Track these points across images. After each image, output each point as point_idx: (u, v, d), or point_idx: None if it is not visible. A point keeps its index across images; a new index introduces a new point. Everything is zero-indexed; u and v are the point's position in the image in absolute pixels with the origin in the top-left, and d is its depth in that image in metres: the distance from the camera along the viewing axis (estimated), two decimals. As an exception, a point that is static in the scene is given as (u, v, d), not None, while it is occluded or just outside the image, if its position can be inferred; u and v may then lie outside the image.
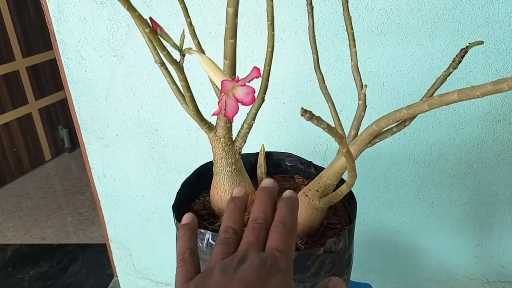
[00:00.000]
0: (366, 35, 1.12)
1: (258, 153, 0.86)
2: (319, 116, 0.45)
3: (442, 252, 1.42)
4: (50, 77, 2.86)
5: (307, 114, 0.44)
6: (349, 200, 0.78)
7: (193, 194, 0.83)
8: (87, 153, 1.37)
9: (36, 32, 2.70)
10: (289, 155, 0.89)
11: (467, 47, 0.54)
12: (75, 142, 3.10)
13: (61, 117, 3.00)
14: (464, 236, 1.39)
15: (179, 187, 0.73)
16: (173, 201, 1.43)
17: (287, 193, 0.44)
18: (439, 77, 0.59)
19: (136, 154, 1.36)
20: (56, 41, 1.23)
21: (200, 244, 0.67)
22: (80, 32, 1.20)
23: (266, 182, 0.47)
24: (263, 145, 0.86)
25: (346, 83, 1.16)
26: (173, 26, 1.12)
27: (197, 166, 0.83)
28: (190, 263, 0.40)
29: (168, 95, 1.25)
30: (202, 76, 1.10)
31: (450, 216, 1.35)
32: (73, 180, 2.72)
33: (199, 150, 1.32)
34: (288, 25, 1.12)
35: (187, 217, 0.46)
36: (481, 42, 0.53)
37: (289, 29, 1.13)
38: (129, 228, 1.49)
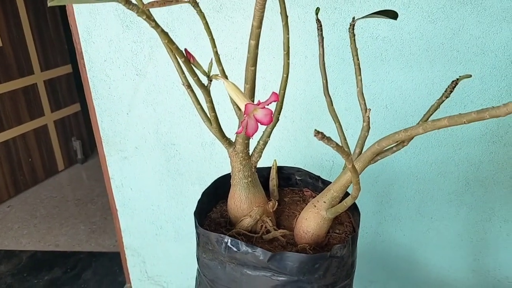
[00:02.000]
0: (371, 61, 1.21)
1: (270, 167, 0.94)
2: (329, 137, 0.54)
3: (441, 265, 1.49)
4: (66, 90, 2.97)
5: (320, 135, 0.52)
6: (353, 211, 0.86)
7: (210, 204, 0.91)
8: (107, 164, 1.46)
9: (55, 47, 2.82)
10: (298, 169, 0.97)
11: (457, 79, 0.63)
12: (87, 154, 3.19)
13: (75, 129, 3.10)
14: (462, 250, 1.45)
15: (193, 198, 0.82)
16: (187, 211, 1.51)
17: None
18: (433, 104, 0.67)
19: (153, 166, 1.44)
20: (83, 59, 1.32)
21: (219, 248, 0.74)
22: (106, 52, 1.30)
23: None
24: (275, 160, 0.95)
25: (351, 104, 1.25)
26: (194, 49, 1.22)
27: (210, 179, 0.91)
28: None
29: (185, 112, 1.35)
30: (218, 97, 1.19)
31: (448, 231, 1.42)
32: (85, 190, 2.80)
33: (212, 163, 1.41)
34: (299, 50, 1.22)
35: None
36: (469, 76, 0.62)
37: (300, 54, 1.22)
38: (144, 236, 1.57)
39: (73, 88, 3.01)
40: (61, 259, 2.10)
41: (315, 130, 0.52)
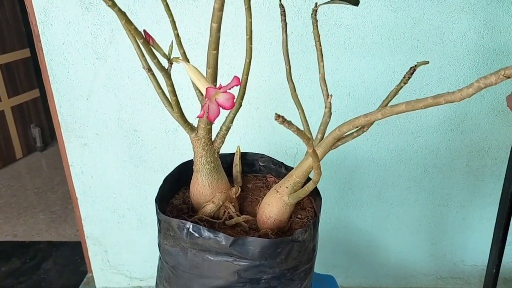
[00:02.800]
0: (334, 49, 1.22)
1: (234, 153, 0.94)
2: (290, 121, 0.54)
3: (401, 250, 1.53)
4: (23, 75, 2.85)
5: (280, 119, 0.52)
6: (315, 196, 0.87)
7: (173, 190, 0.90)
8: (66, 151, 1.42)
9: (11, 30, 2.70)
10: (262, 156, 0.97)
11: (415, 66, 0.64)
12: (47, 141, 3.09)
13: (33, 115, 2.99)
14: (421, 235, 1.50)
15: (156, 185, 0.80)
16: (149, 199, 1.49)
17: None
18: (392, 90, 0.68)
19: (114, 153, 1.41)
20: (40, 42, 1.27)
21: (180, 234, 0.74)
22: (65, 35, 1.25)
23: None
24: (238, 146, 0.94)
25: (315, 92, 1.26)
26: (156, 32, 1.19)
27: (174, 166, 0.90)
28: None
29: (148, 98, 1.32)
30: (182, 82, 1.17)
31: (408, 216, 1.47)
32: (44, 178, 2.72)
33: (176, 150, 1.39)
34: (264, 36, 1.21)
35: None
36: (427, 62, 0.63)
37: (265, 40, 1.22)
38: (105, 225, 1.54)
39: (31, 73, 2.90)
40: (20, 250, 2.03)
41: (276, 113, 0.52)
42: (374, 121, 0.65)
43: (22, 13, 2.72)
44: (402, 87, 0.67)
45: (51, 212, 2.35)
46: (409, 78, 0.66)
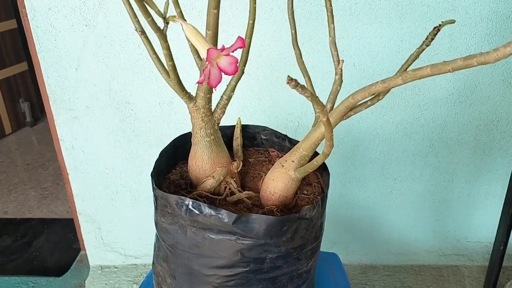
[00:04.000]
0: (339, 15, 1.15)
1: (234, 126, 0.88)
2: (303, 85, 0.48)
3: (403, 226, 1.50)
4: (10, 47, 2.75)
5: (293, 82, 0.46)
6: (322, 171, 0.82)
7: (169, 165, 0.84)
8: (55, 124, 1.35)
9: (-4, 0, 2.58)
10: (264, 128, 0.91)
11: (439, 25, 0.58)
12: (37, 116, 3.01)
13: (22, 90, 2.90)
14: (424, 211, 1.46)
15: (151, 160, 0.74)
16: (144, 175, 1.43)
17: None
18: (413, 53, 0.62)
19: (106, 127, 1.35)
20: (24, 8, 1.19)
21: (179, 211, 0.68)
22: (51, 0, 1.17)
23: None
24: (239, 118, 0.88)
25: (318, 61, 1.19)
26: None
27: (169, 140, 0.84)
28: None
29: (141, 68, 1.24)
30: (177, 47, 1.10)
31: (411, 192, 1.42)
32: (35, 154, 2.65)
33: (171, 124, 1.33)
34: (264, 1, 1.13)
35: None
36: (453, 21, 0.57)
37: (265, 6, 1.14)
38: (98, 202, 1.49)
39: (18, 46, 2.79)
40: (10, 227, 1.98)
41: (288, 76, 0.46)
42: (391, 88, 0.59)
43: (7, -19, 2.60)
44: (424, 49, 0.61)
45: (42, 188, 2.29)
46: (432, 39, 0.59)
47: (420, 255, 1.55)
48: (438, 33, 0.63)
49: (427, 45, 0.60)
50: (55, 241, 1.87)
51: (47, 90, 1.30)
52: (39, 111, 3.02)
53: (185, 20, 0.68)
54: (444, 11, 1.15)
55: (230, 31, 1.17)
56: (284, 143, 0.89)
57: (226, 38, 1.18)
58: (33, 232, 1.94)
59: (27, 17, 1.21)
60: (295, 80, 0.46)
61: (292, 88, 0.47)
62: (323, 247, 1.51)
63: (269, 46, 1.19)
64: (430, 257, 1.55)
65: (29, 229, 1.96)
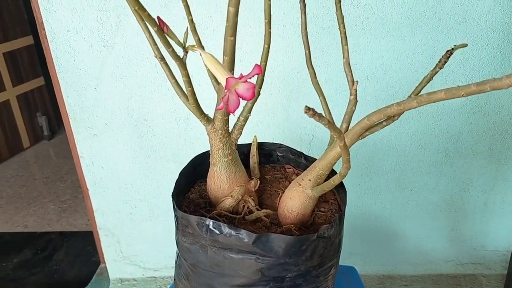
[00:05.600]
0: (351, 30, 1.17)
1: (250, 143, 0.89)
2: (320, 113, 0.49)
3: (420, 236, 1.50)
4: (28, 63, 2.81)
5: (310, 112, 0.48)
6: (339, 189, 0.83)
7: (188, 184, 0.86)
8: (75, 142, 1.38)
9: (13, 17, 2.65)
10: (280, 145, 0.93)
11: (452, 49, 0.59)
12: (54, 130, 3.06)
13: (39, 104, 2.96)
14: (440, 221, 1.46)
15: (168, 175, 0.76)
16: (161, 189, 1.46)
17: None
18: (426, 76, 0.63)
19: (125, 143, 1.37)
20: (44, 29, 1.22)
21: (200, 231, 0.70)
22: (69, 22, 1.20)
23: None
24: (255, 136, 0.90)
25: (331, 76, 1.21)
26: (163, 17, 1.14)
27: (186, 155, 0.87)
28: None
29: (157, 85, 1.27)
30: (192, 69, 1.12)
31: (427, 202, 1.42)
32: (53, 168, 2.70)
33: (187, 139, 1.35)
34: (277, 18, 1.15)
35: None
36: (465, 45, 0.58)
37: (278, 22, 1.16)
38: (118, 216, 1.51)
39: (35, 61, 2.85)
40: (31, 240, 2.02)
41: (306, 106, 0.47)
42: (406, 110, 0.61)
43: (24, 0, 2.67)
44: (437, 72, 0.63)
45: (61, 202, 2.33)
46: (445, 62, 0.61)
47: (437, 264, 1.55)
48: (448, 47, 0.64)
49: (440, 68, 0.61)
50: (75, 254, 1.90)
51: (67, 109, 1.33)
52: (56, 124, 3.07)
53: (203, 48, 0.70)
54: (455, 23, 1.16)
55: (244, 48, 1.19)
56: (300, 160, 0.90)
57: (240, 55, 1.20)
58: (53, 246, 1.97)
59: (46, 38, 1.25)
60: (313, 110, 0.48)
61: (310, 117, 0.48)
62: (340, 259, 1.52)
63: (282, 61, 1.21)
64: (447, 266, 1.55)
65: (49, 242, 2.00)
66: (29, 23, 2.73)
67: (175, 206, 0.74)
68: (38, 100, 2.94)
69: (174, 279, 0.85)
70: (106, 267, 1.66)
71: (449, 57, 0.59)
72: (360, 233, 1.49)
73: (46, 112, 2.99)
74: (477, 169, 1.36)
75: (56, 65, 1.27)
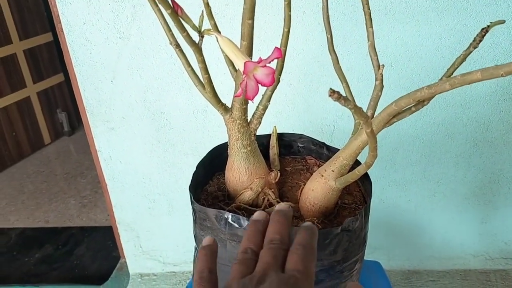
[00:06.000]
0: (374, 15, 1.11)
1: (270, 134, 0.86)
2: (346, 97, 0.45)
3: (447, 230, 1.44)
4: (47, 60, 2.83)
5: (335, 95, 0.44)
6: (363, 180, 0.79)
7: (206, 176, 0.83)
8: (93, 136, 1.37)
9: (33, 15, 2.66)
10: (301, 136, 0.89)
11: (488, 26, 0.55)
12: (74, 126, 3.09)
13: (59, 100, 2.98)
14: (469, 214, 1.41)
15: (186, 169, 0.74)
16: (180, 183, 1.43)
17: (306, 223, 0.44)
18: (459, 56, 0.59)
19: (142, 137, 1.36)
20: (60, 23, 1.21)
21: (218, 224, 0.67)
22: (85, 14, 1.18)
23: (281, 205, 0.47)
24: (275, 126, 0.87)
25: (354, 64, 1.16)
26: (181, 2, 1.11)
27: (204, 148, 0.84)
28: (208, 281, 0.40)
29: (174, 77, 1.25)
30: (209, 59, 1.09)
31: (455, 194, 1.37)
32: (73, 163, 2.72)
33: (205, 132, 1.32)
34: (296, 5, 1.11)
35: (208, 240, 0.47)
36: (503, 21, 0.53)
37: (297, 9, 1.12)
38: (136, 211, 1.50)
39: (55, 57, 2.87)
40: (52, 236, 2.03)
41: (330, 89, 0.44)
42: (438, 94, 0.56)
43: (42, -4, 2.68)
44: (471, 52, 0.58)
45: (81, 197, 2.34)
46: (480, 41, 0.56)
47: (465, 259, 1.49)
48: (478, 30, 0.59)
49: (475, 47, 0.57)
50: (95, 249, 1.91)
51: (84, 103, 1.32)
52: (76, 120, 3.10)
53: (219, 32, 0.67)
54: (484, 5, 1.10)
55: (262, 36, 1.16)
56: (322, 151, 0.87)
57: (258, 44, 1.16)
58: (74, 241, 1.98)
59: (63, 32, 1.23)
60: (338, 92, 0.44)
61: (335, 100, 0.45)
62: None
63: (302, 50, 1.17)
64: (476, 261, 1.49)
65: (70, 237, 2.01)
66: (48, 20, 2.74)
67: (193, 199, 0.71)
68: (58, 96, 2.97)
69: (193, 274, 0.82)
70: (126, 262, 1.65)
71: (484, 35, 0.55)
72: (385, 227, 1.44)
73: (66, 108, 3.01)
74: (508, 160, 1.30)
75: (73, 59, 1.26)
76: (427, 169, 1.32)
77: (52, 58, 2.86)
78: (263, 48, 1.17)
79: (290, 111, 1.26)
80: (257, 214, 0.47)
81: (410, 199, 1.38)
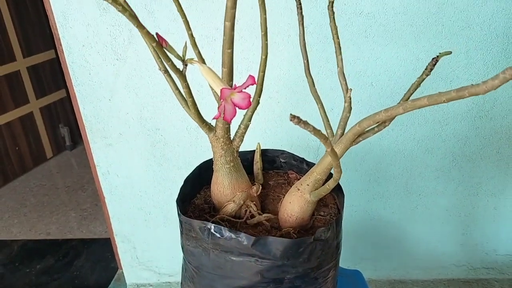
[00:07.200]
0: (355, 38, 1.19)
1: (254, 150, 0.93)
2: (306, 121, 0.52)
3: (430, 241, 1.50)
4: (50, 76, 2.91)
5: (295, 119, 0.51)
6: (338, 193, 0.85)
7: (194, 189, 0.90)
8: (91, 151, 1.44)
9: (36, 32, 2.75)
10: (283, 152, 0.96)
11: (437, 56, 0.61)
12: (76, 140, 3.16)
13: (61, 115, 3.05)
14: (450, 225, 1.46)
15: (180, 182, 0.80)
16: (174, 196, 1.50)
17: None
18: (414, 83, 0.66)
19: (138, 152, 1.43)
20: (61, 45, 1.29)
21: (202, 235, 0.73)
22: (84, 37, 1.26)
23: None
24: (259, 143, 0.93)
25: (337, 84, 1.23)
26: (173, 30, 1.19)
27: (197, 163, 0.90)
28: None
29: (168, 96, 1.32)
30: (200, 80, 1.16)
31: (436, 207, 1.43)
32: (74, 177, 2.78)
33: (198, 147, 1.39)
34: (282, 29, 1.19)
35: None
36: (449, 53, 0.60)
37: (283, 32, 1.20)
38: (133, 223, 1.56)
39: (57, 74, 2.95)
40: (53, 247, 2.09)
41: (291, 114, 0.50)
42: (395, 116, 0.63)
43: (45, 15, 2.77)
44: (424, 79, 0.65)
45: (82, 210, 2.40)
46: (431, 69, 0.63)
47: (448, 269, 1.54)
48: (443, 57, 0.66)
49: (427, 75, 0.64)
50: (95, 261, 1.96)
51: (83, 120, 1.39)
52: (77, 135, 3.16)
53: (203, 61, 0.74)
54: (459, 28, 1.18)
55: (251, 58, 1.23)
56: (302, 166, 0.93)
57: (247, 65, 1.24)
58: (74, 252, 2.04)
59: (63, 53, 1.31)
60: (297, 117, 0.51)
61: (295, 124, 0.51)
62: (350, 263, 1.53)
63: (288, 70, 1.24)
64: (459, 271, 1.55)
65: (70, 249, 2.07)
66: (51, 38, 2.83)
67: (179, 211, 0.77)
68: (60, 111, 3.04)
69: (181, 282, 0.88)
70: (123, 273, 1.71)
71: (434, 64, 0.61)
72: (370, 238, 1.50)
73: (68, 123, 3.09)
74: (486, 173, 1.36)
75: (73, 78, 1.33)
76: (409, 182, 1.39)
77: (55, 74, 2.94)
78: (252, 69, 1.25)
79: (278, 128, 1.33)
80: None
81: (394, 211, 1.44)
